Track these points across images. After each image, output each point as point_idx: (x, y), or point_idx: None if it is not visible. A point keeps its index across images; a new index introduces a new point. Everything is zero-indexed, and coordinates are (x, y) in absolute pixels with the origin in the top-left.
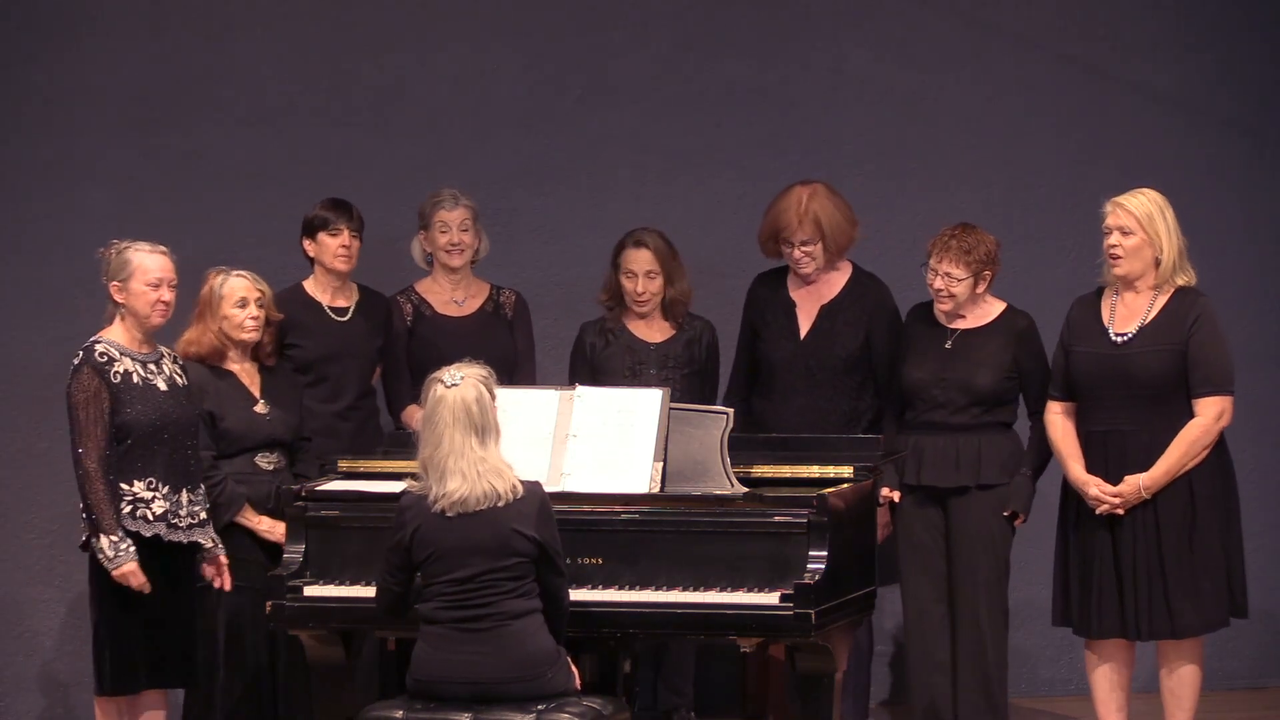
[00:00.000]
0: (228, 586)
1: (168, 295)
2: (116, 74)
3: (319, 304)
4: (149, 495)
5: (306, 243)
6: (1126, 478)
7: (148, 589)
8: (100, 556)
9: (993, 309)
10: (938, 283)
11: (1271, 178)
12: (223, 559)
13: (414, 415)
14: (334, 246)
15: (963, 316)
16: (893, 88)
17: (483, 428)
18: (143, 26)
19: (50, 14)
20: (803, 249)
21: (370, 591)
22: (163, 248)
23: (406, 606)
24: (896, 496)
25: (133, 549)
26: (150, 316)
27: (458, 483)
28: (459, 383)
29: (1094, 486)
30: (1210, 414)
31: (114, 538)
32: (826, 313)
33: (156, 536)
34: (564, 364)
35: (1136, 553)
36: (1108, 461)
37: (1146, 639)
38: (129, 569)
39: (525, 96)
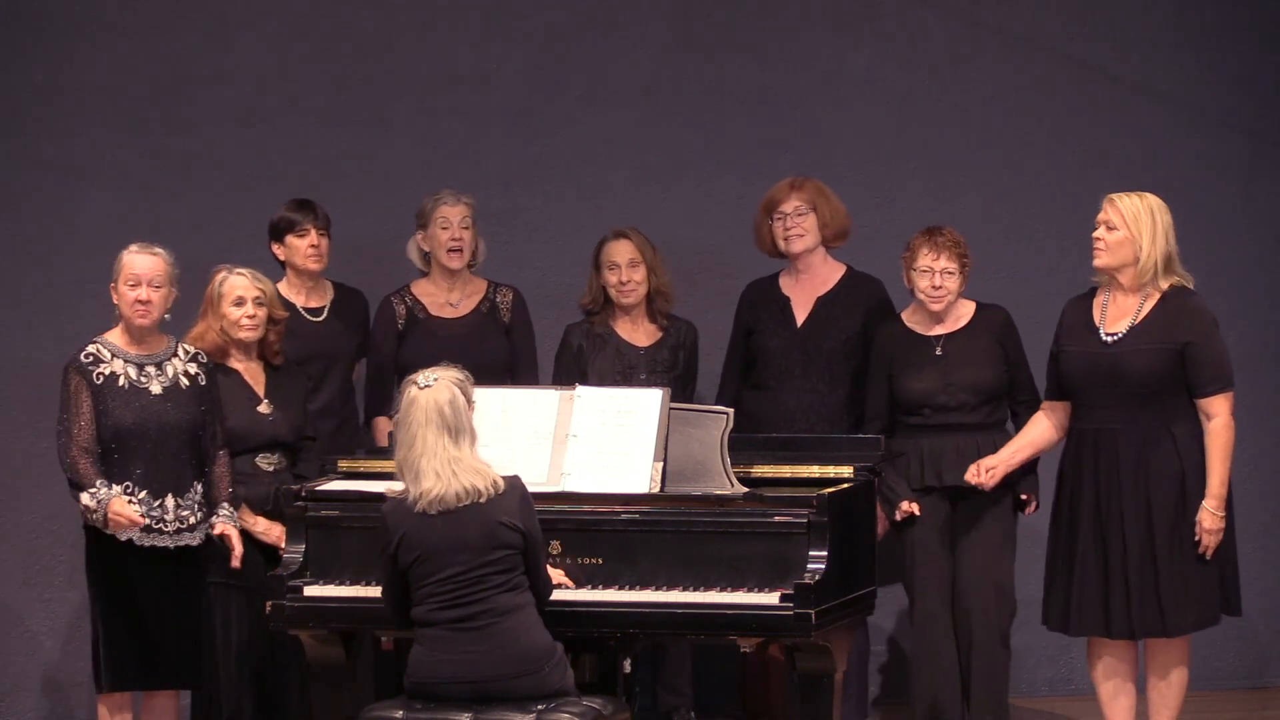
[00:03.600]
0: (235, 562)
1: (145, 295)
2: (116, 74)
3: (293, 305)
4: (125, 499)
5: (275, 247)
6: (1206, 513)
7: (141, 521)
8: (89, 517)
9: (966, 309)
10: (936, 280)
11: (1271, 178)
12: (228, 530)
13: (380, 427)
14: (303, 247)
15: (941, 321)
16: (893, 88)
17: (456, 429)
18: (143, 26)
19: (50, 14)
20: (796, 218)
21: (371, 591)
22: (157, 249)
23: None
24: (917, 509)
25: (114, 489)
26: (131, 317)
27: (432, 481)
28: (432, 384)
29: (984, 467)
30: (1226, 410)
31: (91, 489)
32: (823, 303)
33: (130, 541)
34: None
35: (1127, 549)
36: (1099, 459)
37: (1138, 637)
38: (116, 508)
39: (525, 96)
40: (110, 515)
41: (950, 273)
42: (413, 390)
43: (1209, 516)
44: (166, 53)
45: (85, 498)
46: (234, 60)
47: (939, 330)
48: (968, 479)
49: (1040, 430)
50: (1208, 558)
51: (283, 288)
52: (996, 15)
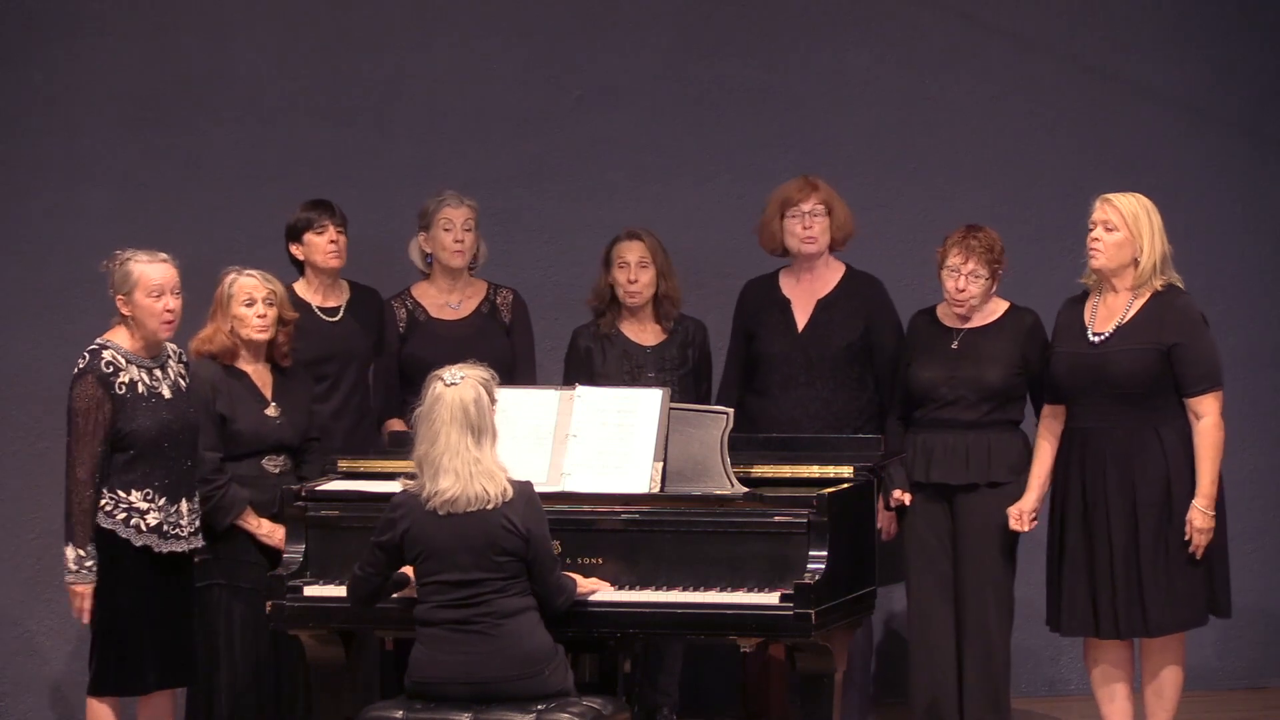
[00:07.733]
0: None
1: (172, 303)
2: (116, 74)
3: (309, 305)
4: (144, 507)
5: (293, 247)
6: (1196, 512)
7: (85, 616)
8: (65, 564)
9: (998, 308)
10: (961, 283)
11: (1271, 178)
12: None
13: (390, 429)
14: (323, 245)
15: (968, 318)
16: (893, 88)
17: (479, 429)
18: (143, 26)
19: (50, 14)
20: (812, 218)
21: None
22: (163, 255)
23: (380, 597)
24: (908, 499)
25: (94, 570)
26: (158, 330)
27: (450, 481)
28: (459, 382)
29: (1025, 515)
30: (1214, 409)
31: (81, 552)
32: (823, 306)
33: (146, 548)
34: (562, 365)
35: (1113, 549)
36: (1085, 459)
37: (1123, 636)
38: (83, 590)
39: (525, 96)
40: (71, 591)
41: (977, 276)
42: (438, 387)
43: (1199, 515)
44: (166, 53)
45: (70, 556)
46: (234, 60)
47: (962, 325)
48: (1011, 527)
49: (1047, 453)
50: (1198, 557)
51: (299, 288)
52: (997, 15)
